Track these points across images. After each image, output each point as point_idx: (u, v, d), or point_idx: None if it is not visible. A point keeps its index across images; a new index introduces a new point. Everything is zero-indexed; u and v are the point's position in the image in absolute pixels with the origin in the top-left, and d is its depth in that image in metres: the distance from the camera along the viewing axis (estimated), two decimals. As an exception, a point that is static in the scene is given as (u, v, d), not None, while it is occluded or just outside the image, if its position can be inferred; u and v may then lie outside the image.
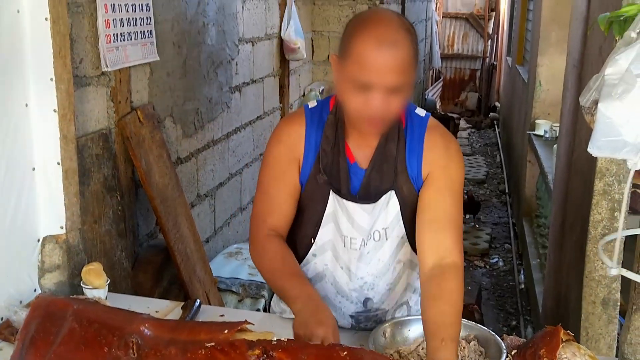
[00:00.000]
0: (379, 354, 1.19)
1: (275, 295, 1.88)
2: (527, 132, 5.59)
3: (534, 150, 5.23)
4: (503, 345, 1.54)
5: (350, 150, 1.62)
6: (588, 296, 2.46)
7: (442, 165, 1.59)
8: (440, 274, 1.52)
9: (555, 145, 4.14)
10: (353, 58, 1.44)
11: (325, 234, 1.66)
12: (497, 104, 11.39)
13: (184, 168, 3.06)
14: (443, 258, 1.54)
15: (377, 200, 1.61)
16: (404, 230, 1.65)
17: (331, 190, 1.62)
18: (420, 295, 1.56)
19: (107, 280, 1.85)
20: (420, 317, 1.64)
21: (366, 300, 1.71)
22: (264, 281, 3.08)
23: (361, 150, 1.62)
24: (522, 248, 5.66)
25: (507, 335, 1.64)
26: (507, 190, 7.62)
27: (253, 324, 1.35)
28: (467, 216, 6.39)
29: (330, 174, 1.61)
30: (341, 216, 1.63)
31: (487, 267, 5.67)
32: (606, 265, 1.08)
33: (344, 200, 1.61)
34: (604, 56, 1.49)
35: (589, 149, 1.47)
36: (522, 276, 5.31)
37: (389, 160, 1.60)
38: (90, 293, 1.78)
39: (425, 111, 1.67)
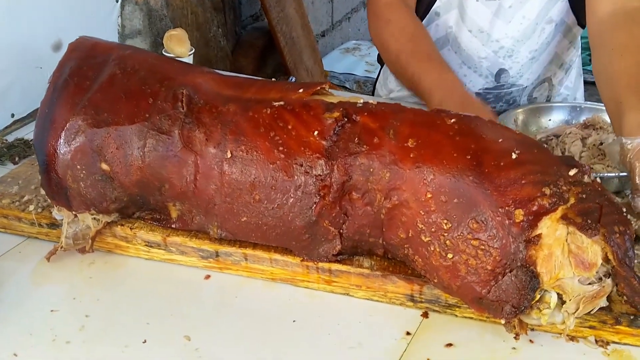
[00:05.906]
0: (499, 124, 0.87)
1: (381, 76, 1.57)
2: None
3: None
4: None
5: None
6: None
7: None
8: (625, 20, 1.11)
9: None
10: None
11: None
12: None
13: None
14: (628, 0, 1.12)
15: None
16: None
17: None
18: (593, 50, 1.15)
19: (192, 50, 1.61)
20: (564, 104, 1.32)
21: (500, 73, 1.35)
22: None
23: None
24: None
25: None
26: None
27: (338, 89, 1.05)
28: None
29: None
30: None
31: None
32: None
33: None
34: None
35: None
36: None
37: None
38: (170, 61, 1.57)
39: None
